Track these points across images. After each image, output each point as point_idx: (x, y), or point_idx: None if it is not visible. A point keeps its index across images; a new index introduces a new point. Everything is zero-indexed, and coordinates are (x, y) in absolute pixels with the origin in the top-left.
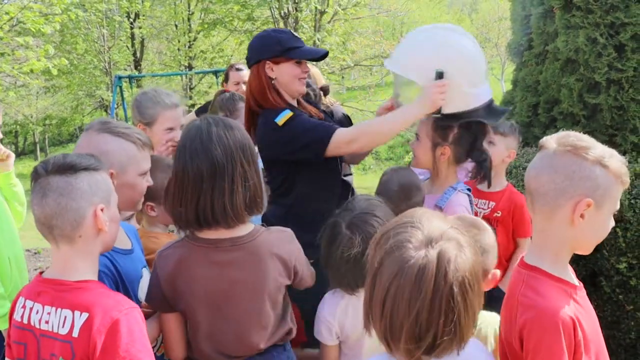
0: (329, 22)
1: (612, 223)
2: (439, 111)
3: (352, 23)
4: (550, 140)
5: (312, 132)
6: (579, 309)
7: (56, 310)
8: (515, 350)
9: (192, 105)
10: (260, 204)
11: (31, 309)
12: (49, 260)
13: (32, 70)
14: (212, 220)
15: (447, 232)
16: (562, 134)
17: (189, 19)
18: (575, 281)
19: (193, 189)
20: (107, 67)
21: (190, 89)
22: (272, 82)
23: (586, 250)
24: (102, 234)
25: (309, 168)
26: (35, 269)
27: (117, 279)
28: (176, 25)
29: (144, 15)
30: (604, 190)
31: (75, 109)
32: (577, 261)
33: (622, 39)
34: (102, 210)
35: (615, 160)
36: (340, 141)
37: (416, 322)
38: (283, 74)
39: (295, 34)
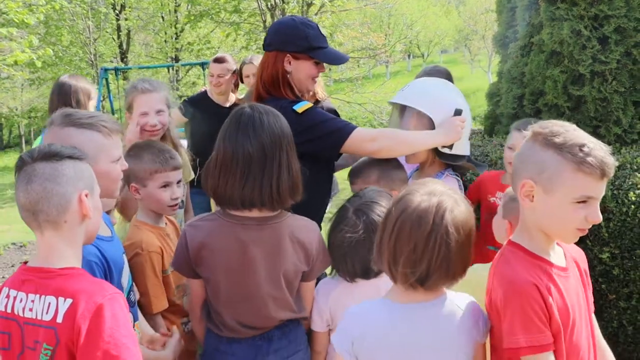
0: (316, 14)
1: (598, 215)
2: (450, 146)
3: (339, 15)
4: (533, 128)
5: (332, 122)
6: (550, 283)
7: (40, 297)
8: (493, 314)
9: (180, 97)
10: (300, 191)
11: (15, 298)
12: (34, 253)
13: (16, 62)
14: (258, 202)
15: (447, 191)
16: (542, 122)
17: (175, 11)
18: (559, 263)
19: (242, 171)
20: (92, 59)
21: (177, 81)
22: (287, 75)
23: (558, 236)
24: (86, 221)
25: (311, 160)
26: (22, 262)
27: (105, 267)
28: (163, 17)
29: (130, 7)
30: (551, 174)
31: None
32: None
33: (606, 31)
34: (86, 196)
35: (580, 150)
36: (360, 138)
37: (414, 251)
38: (299, 70)
39: (322, 30)
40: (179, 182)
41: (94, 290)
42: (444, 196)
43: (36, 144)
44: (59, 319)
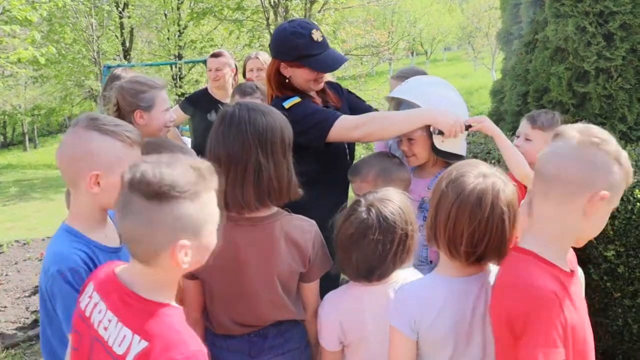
0: (319, 11)
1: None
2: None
3: (342, 12)
4: (572, 131)
5: (313, 116)
6: (565, 295)
7: (118, 322)
8: (504, 327)
9: (182, 95)
10: (278, 195)
11: (96, 304)
12: (37, 251)
13: (19, 60)
14: (225, 205)
15: (495, 172)
16: (582, 125)
17: (178, 8)
18: (568, 269)
19: (227, 171)
20: (95, 56)
21: (180, 78)
22: (287, 80)
23: (583, 241)
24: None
25: (314, 151)
26: (25, 260)
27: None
28: (165, 15)
29: (133, 4)
30: (617, 186)
31: (64, 99)
32: None
33: (611, 27)
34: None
35: (627, 161)
36: (343, 127)
37: (476, 231)
38: (297, 76)
39: (316, 34)
40: None
41: (173, 342)
42: (495, 177)
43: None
44: (129, 359)
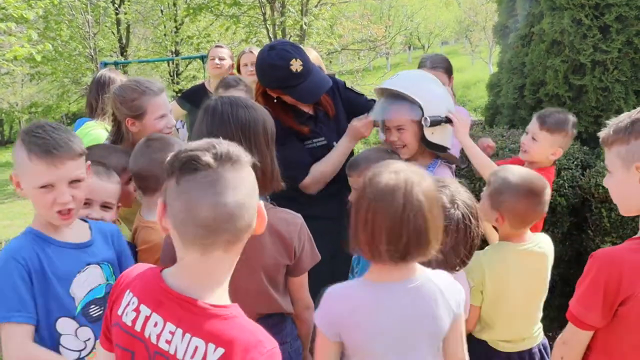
0: (315, 6)
1: None
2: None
3: (339, 7)
4: None
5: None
6: None
7: (184, 334)
8: None
9: (180, 91)
10: (262, 185)
11: (147, 317)
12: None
13: (15, 57)
14: None
15: (411, 168)
16: None
17: (174, 4)
18: None
19: None
20: (92, 53)
21: (177, 74)
22: (277, 101)
23: None
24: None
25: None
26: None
27: (31, 275)
28: (162, 11)
29: (129, 1)
30: None
31: (61, 97)
32: (563, 241)
33: (607, 20)
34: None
35: None
36: (303, 186)
37: (392, 227)
38: (284, 97)
39: (295, 64)
40: None
41: (251, 343)
42: (409, 172)
43: None
44: None
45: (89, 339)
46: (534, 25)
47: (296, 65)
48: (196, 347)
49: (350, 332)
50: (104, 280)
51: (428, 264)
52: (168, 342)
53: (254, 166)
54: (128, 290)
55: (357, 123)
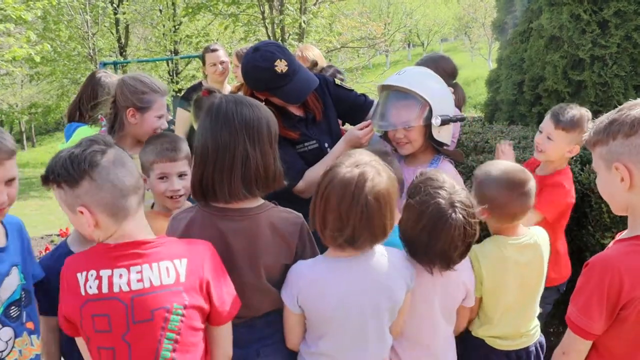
0: (314, 4)
1: None
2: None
3: (338, 5)
4: None
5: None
6: None
7: (151, 265)
8: None
9: (179, 90)
10: (264, 184)
11: (110, 276)
12: (36, 249)
13: (14, 58)
14: (212, 194)
15: (371, 162)
16: None
17: (173, 4)
18: None
19: (199, 164)
20: (91, 53)
21: (177, 74)
22: (265, 104)
23: None
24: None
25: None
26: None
27: None
28: (160, 10)
29: (127, 1)
30: None
31: (60, 97)
32: None
33: (606, 15)
34: None
35: None
36: (297, 190)
37: (339, 217)
38: (274, 99)
39: (280, 65)
40: (182, 174)
41: (198, 246)
42: (367, 167)
43: (62, 146)
44: (182, 279)
45: (10, 339)
46: (533, 20)
47: (281, 66)
48: (167, 268)
49: (308, 303)
50: (19, 281)
51: (427, 258)
52: (140, 280)
53: (256, 165)
54: (78, 273)
55: (358, 132)
